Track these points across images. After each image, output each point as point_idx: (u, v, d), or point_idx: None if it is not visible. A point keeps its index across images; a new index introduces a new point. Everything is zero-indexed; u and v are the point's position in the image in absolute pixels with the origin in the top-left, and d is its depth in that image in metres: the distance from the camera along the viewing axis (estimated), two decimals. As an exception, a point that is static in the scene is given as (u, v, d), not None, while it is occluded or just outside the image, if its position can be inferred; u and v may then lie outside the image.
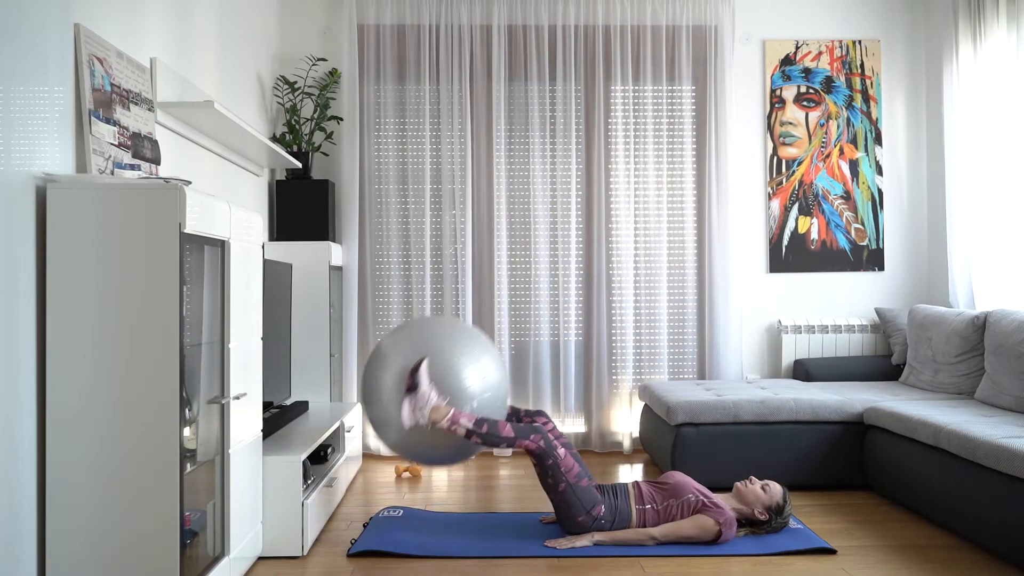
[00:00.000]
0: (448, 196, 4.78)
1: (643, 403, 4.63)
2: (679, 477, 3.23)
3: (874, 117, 5.03)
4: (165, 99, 2.95)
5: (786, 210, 5.00)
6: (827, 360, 4.81)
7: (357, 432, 4.28)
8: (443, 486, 4.07)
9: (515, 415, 3.39)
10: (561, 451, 3.09)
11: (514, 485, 4.07)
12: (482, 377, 3.13)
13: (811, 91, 5.02)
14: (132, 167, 2.51)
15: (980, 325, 4.03)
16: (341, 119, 4.73)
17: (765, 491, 3.17)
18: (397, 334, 3.23)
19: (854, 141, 5.03)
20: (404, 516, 3.43)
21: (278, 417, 3.49)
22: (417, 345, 3.13)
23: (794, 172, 5.01)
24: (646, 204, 4.88)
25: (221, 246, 2.55)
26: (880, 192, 5.03)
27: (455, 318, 3.27)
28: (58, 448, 2.15)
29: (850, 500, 3.74)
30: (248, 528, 2.78)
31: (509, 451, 4.73)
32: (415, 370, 3.01)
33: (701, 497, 3.12)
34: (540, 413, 3.40)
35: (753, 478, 3.23)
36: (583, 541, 3.05)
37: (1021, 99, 4.11)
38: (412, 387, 2.99)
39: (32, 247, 2.14)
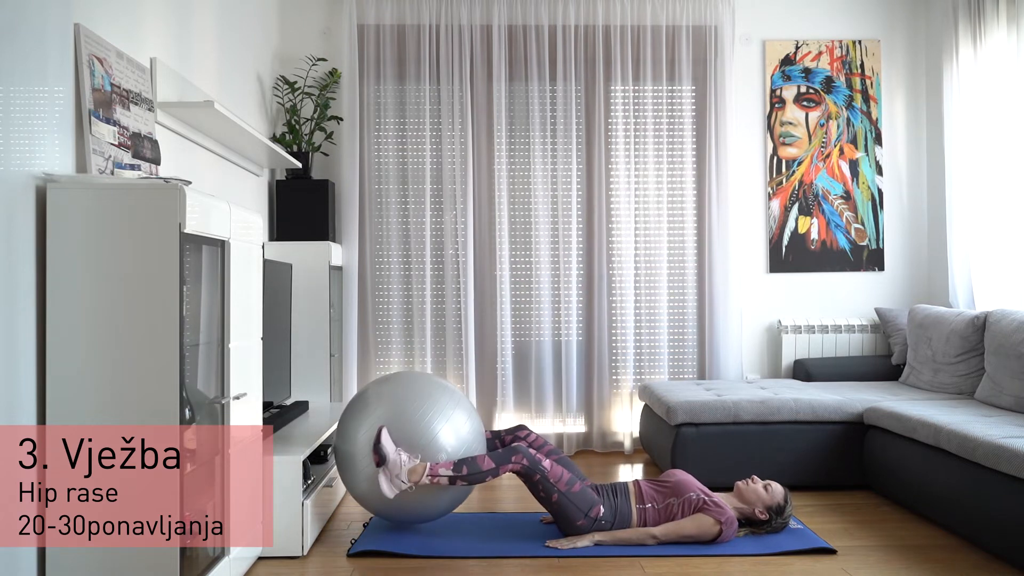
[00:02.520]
0: (448, 196, 4.78)
1: (643, 403, 4.63)
2: (680, 476, 3.23)
3: (874, 117, 5.03)
4: (165, 99, 2.95)
5: (786, 210, 5.00)
6: (827, 360, 4.81)
7: (357, 432, 4.27)
8: (443, 486, 4.07)
9: (496, 439, 3.40)
10: (546, 463, 3.06)
11: (514, 485, 4.07)
12: (455, 432, 3.10)
13: (811, 91, 5.02)
14: (132, 167, 2.51)
15: (980, 325, 4.03)
16: (341, 119, 4.73)
17: (767, 491, 3.17)
18: (357, 402, 3.22)
19: (854, 141, 5.03)
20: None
21: (278, 417, 3.49)
22: (381, 406, 3.10)
23: (794, 172, 5.01)
24: (646, 204, 4.88)
25: (221, 246, 2.55)
26: (880, 192, 5.03)
27: (417, 374, 3.27)
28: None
29: (850, 500, 3.74)
30: (248, 528, 2.77)
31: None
32: (376, 442, 2.96)
33: (702, 496, 3.12)
34: (520, 427, 3.41)
35: (755, 477, 3.23)
36: (584, 541, 3.05)
37: (1021, 99, 4.11)
38: (380, 460, 2.95)
39: (32, 247, 2.13)
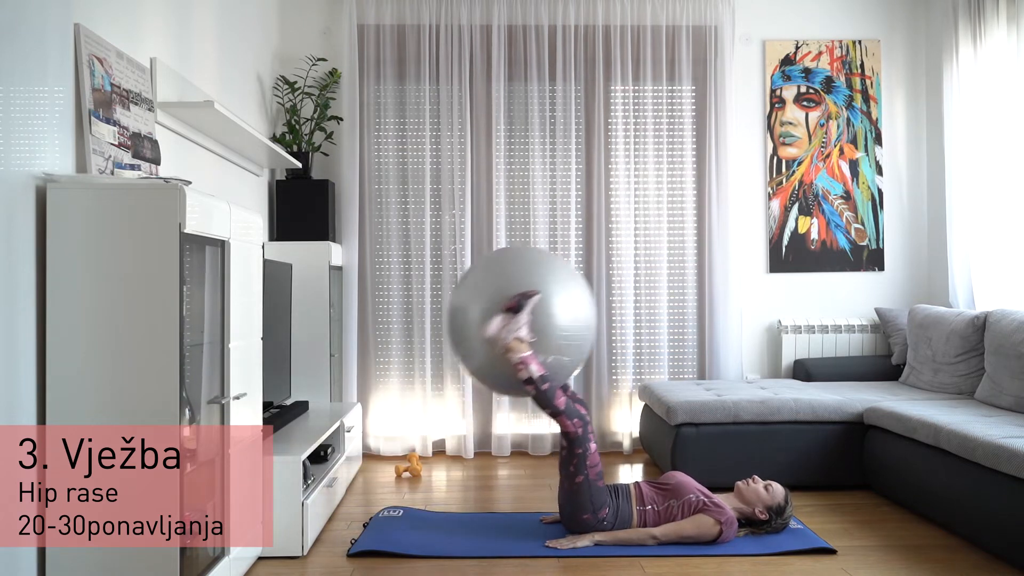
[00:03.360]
0: (448, 196, 4.78)
1: (643, 403, 4.63)
2: (680, 477, 3.24)
3: (874, 117, 5.03)
4: (165, 99, 2.95)
5: (786, 210, 5.00)
6: (827, 360, 4.81)
7: (357, 432, 4.28)
8: (443, 486, 4.07)
9: (563, 391, 3.40)
10: (592, 445, 3.11)
11: (514, 485, 4.07)
12: (573, 318, 3.13)
13: (811, 91, 5.02)
14: (132, 167, 2.51)
15: (980, 325, 4.03)
16: (341, 119, 4.73)
17: (767, 491, 3.17)
18: (527, 255, 3.25)
19: (854, 141, 5.03)
20: (404, 516, 3.43)
21: (278, 417, 3.49)
22: (539, 274, 3.14)
23: (794, 172, 5.01)
24: (646, 204, 4.87)
25: (221, 246, 2.55)
26: (880, 192, 5.03)
27: (546, 254, 3.32)
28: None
29: (850, 500, 3.74)
30: (248, 528, 2.77)
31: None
32: (525, 296, 3.02)
33: (702, 497, 3.12)
34: (583, 403, 3.40)
35: (755, 477, 3.23)
36: (584, 541, 3.05)
37: (1021, 99, 4.11)
38: (513, 308, 3.01)
39: (32, 247, 2.13)
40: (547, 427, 4.78)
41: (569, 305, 3.13)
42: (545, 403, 3.04)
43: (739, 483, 3.23)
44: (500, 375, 3.13)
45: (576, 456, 3.08)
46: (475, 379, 3.29)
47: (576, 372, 3.31)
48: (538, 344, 3.06)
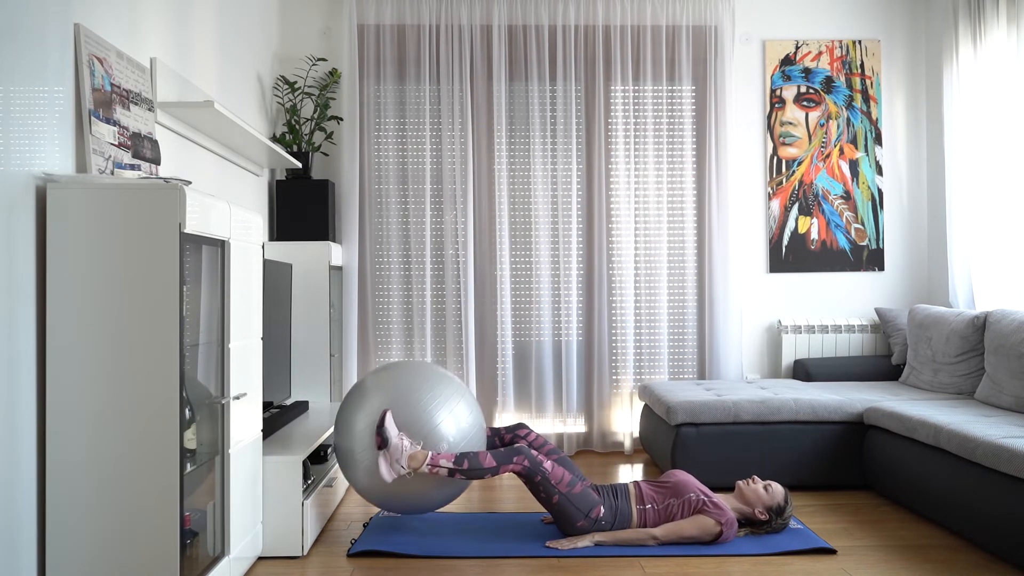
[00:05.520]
0: (448, 196, 4.78)
1: (643, 403, 4.63)
2: (680, 476, 3.23)
3: (874, 117, 5.03)
4: (165, 99, 2.95)
5: (786, 210, 5.00)
6: (827, 360, 4.81)
7: (357, 432, 4.27)
8: (443, 486, 4.07)
9: (495, 436, 3.39)
10: (547, 464, 3.06)
11: (514, 485, 4.07)
12: (456, 423, 3.10)
13: (811, 91, 5.02)
14: (132, 167, 2.51)
15: (980, 325, 4.03)
16: (341, 119, 4.73)
17: (767, 491, 3.17)
18: (362, 386, 3.20)
19: (854, 141, 5.03)
20: (404, 516, 3.43)
21: (278, 417, 3.49)
22: (381, 394, 3.10)
23: (794, 172, 5.01)
24: (646, 204, 4.88)
25: (221, 246, 2.55)
26: (880, 192, 5.03)
27: (421, 363, 3.27)
28: (58, 448, 2.15)
29: (850, 500, 3.74)
30: (248, 528, 2.78)
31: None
32: (380, 424, 2.97)
33: (702, 496, 3.11)
34: (520, 426, 3.40)
35: (755, 477, 3.23)
36: (584, 541, 3.05)
37: (1021, 99, 4.11)
38: (383, 443, 2.96)
39: (32, 247, 2.14)
40: (548, 427, 4.79)
41: (449, 417, 3.09)
42: (479, 475, 3.00)
43: (739, 483, 3.23)
44: (422, 493, 3.08)
45: (539, 484, 3.06)
46: (418, 511, 3.24)
47: (484, 434, 3.24)
48: (427, 439, 3.02)
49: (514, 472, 3.05)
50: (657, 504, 3.13)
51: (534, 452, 3.09)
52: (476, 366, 4.78)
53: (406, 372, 3.20)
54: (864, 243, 5.03)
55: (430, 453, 2.97)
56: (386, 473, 2.95)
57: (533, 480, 3.05)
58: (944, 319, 4.26)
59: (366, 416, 3.07)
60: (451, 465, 2.97)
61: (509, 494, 3.89)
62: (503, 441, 3.39)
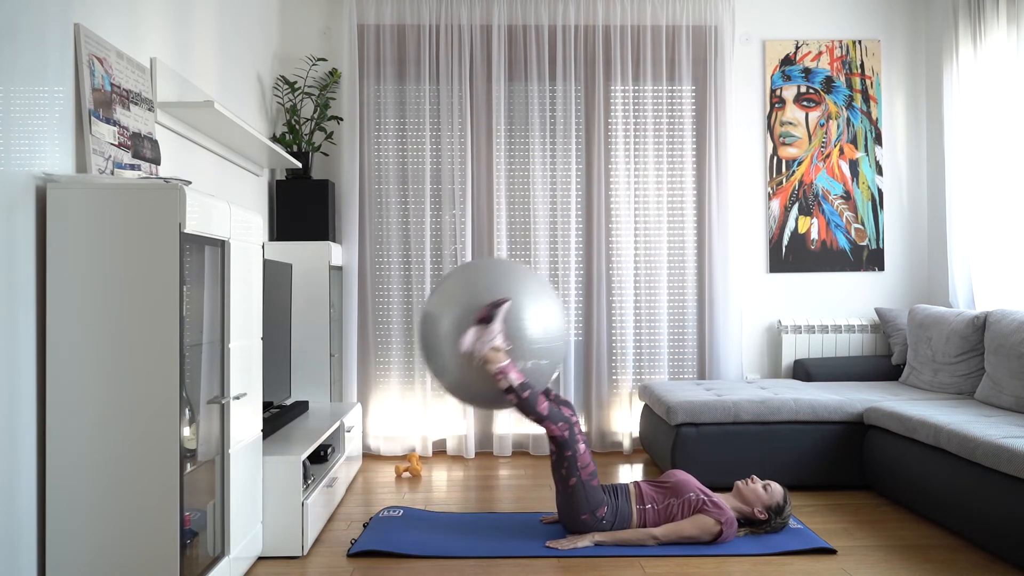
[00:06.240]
0: (448, 196, 4.78)
1: (643, 403, 4.63)
2: (680, 476, 3.23)
3: (874, 117, 5.03)
4: (165, 99, 2.95)
5: (786, 210, 5.00)
6: (827, 360, 4.81)
7: (357, 432, 4.28)
8: (443, 486, 4.07)
9: (546, 395, 3.39)
10: (581, 446, 3.10)
11: (514, 485, 4.07)
12: (544, 329, 3.13)
13: (811, 91, 5.02)
14: (132, 167, 2.51)
15: (980, 325, 4.03)
16: (341, 119, 4.73)
17: (766, 491, 3.18)
18: (487, 266, 3.25)
19: (854, 141, 5.03)
20: (404, 516, 3.43)
21: (278, 417, 3.49)
22: (501, 284, 3.14)
23: (794, 172, 5.01)
24: (646, 204, 4.88)
25: (221, 246, 2.55)
26: (880, 192, 5.03)
27: (536, 273, 3.32)
28: (58, 448, 2.15)
29: (850, 500, 3.74)
30: (248, 528, 2.78)
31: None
32: (496, 305, 3.03)
33: (702, 496, 3.12)
34: (568, 404, 3.40)
35: (755, 476, 3.23)
36: (584, 541, 3.05)
37: (1021, 99, 4.11)
38: (486, 319, 3.01)
39: (32, 247, 2.14)
40: (547, 427, 4.78)
41: (540, 317, 3.13)
42: (528, 410, 3.03)
43: (738, 483, 3.23)
44: (477, 389, 3.12)
45: (566, 459, 3.08)
46: (452, 395, 3.27)
47: (555, 375, 3.28)
48: (514, 351, 3.06)
49: (552, 434, 3.07)
50: (657, 504, 3.13)
51: (579, 431, 3.12)
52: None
53: (530, 279, 3.23)
54: (864, 243, 5.03)
55: (509, 361, 3.01)
56: (467, 342, 3.00)
57: (563, 453, 3.08)
58: (944, 319, 4.26)
59: (478, 297, 3.08)
60: (514, 383, 3.00)
61: (508, 494, 3.89)
62: (549, 398, 3.41)
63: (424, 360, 3.28)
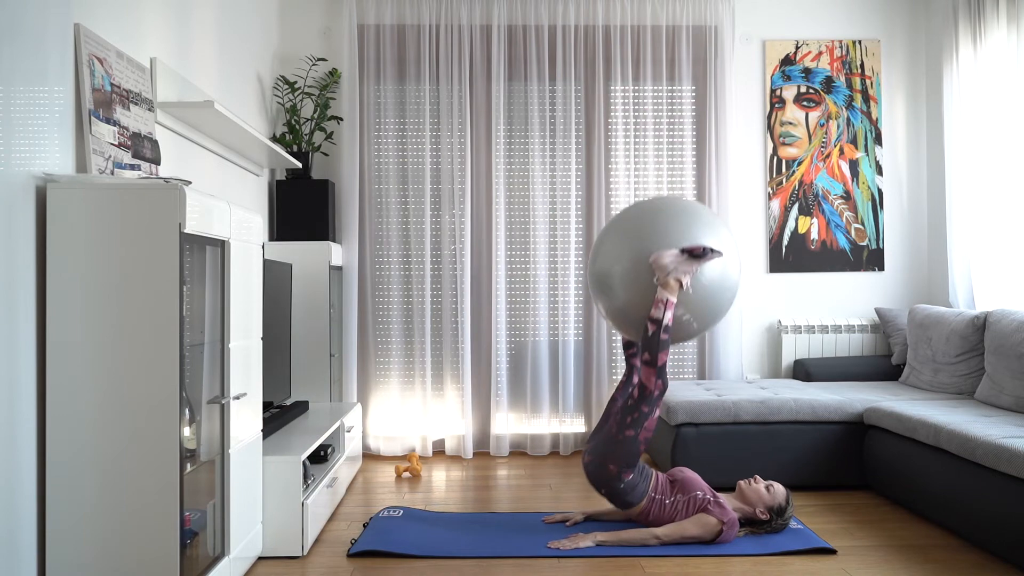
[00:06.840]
0: (448, 196, 4.78)
1: (643, 403, 4.62)
2: (687, 473, 3.26)
3: (874, 117, 5.03)
4: (165, 99, 2.95)
5: (786, 210, 5.00)
6: (827, 360, 4.81)
7: (357, 432, 4.28)
8: (443, 486, 4.07)
9: (628, 344, 3.50)
10: (657, 412, 3.17)
11: (513, 485, 4.07)
12: (717, 300, 3.21)
13: (811, 91, 5.02)
14: (132, 167, 2.51)
15: (980, 325, 4.03)
16: (341, 119, 4.73)
17: (769, 491, 3.18)
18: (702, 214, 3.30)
19: (854, 141, 5.03)
20: (404, 516, 3.43)
21: (278, 417, 3.49)
22: (716, 235, 3.22)
23: (794, 172, 5.01)
24: (646, 204, 4.87)
25: (221, 246, 2.55)
26: (880, 192, 5.03)
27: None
28: (58, 448, 2.15)
29: (850, 500, 3.74)
30: (248, 528, 2.78)
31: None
32: (710, 251, 3.10)
33: (707, 496, 3.13)
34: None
35: (758, 477, 3.24)
36: (587, 542, 3.06)
37: (1021, 99, 4.11)
38: (693, 256, 3.09)
39: (32, 247, 2.14)
40: (546, 427, 4.78)
41: (720, 289, 3.20)
42: (653, 348, 3.09)
43: (741, 482, 3.24)
44: (635, 317, 3.22)
45: (640, 412, 3.12)
46: (608, 317, 3.35)
47: (691, 341, 3.28)
48: (683, 297, 3.13)
49: (647, 385, 3.11)
50: (666, 498, 3.16)
51: (660, 402, 3.21)
52: (472, 366, 4.78)
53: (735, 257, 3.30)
54: (864, 243, 5.03)
55: (674, 300, 3.08)
56: (664, 258, 3.08)
57: (641, 406, 3.12)
58: (944, 319, 4.26)
59: (670, 237, 3.16)
60: (665, 321, 3.08)
61: (508, 494, 3.89)
62: (626, 353, 3.51)
63: (593, 281, 3.35)
